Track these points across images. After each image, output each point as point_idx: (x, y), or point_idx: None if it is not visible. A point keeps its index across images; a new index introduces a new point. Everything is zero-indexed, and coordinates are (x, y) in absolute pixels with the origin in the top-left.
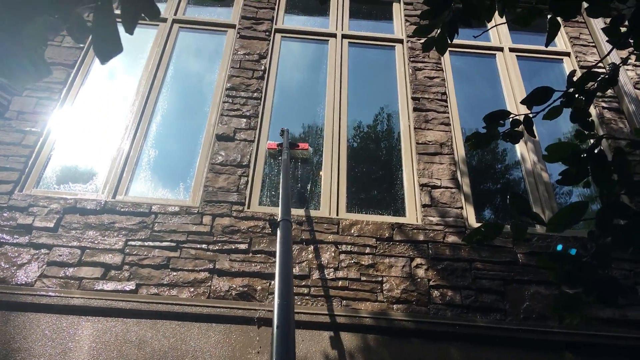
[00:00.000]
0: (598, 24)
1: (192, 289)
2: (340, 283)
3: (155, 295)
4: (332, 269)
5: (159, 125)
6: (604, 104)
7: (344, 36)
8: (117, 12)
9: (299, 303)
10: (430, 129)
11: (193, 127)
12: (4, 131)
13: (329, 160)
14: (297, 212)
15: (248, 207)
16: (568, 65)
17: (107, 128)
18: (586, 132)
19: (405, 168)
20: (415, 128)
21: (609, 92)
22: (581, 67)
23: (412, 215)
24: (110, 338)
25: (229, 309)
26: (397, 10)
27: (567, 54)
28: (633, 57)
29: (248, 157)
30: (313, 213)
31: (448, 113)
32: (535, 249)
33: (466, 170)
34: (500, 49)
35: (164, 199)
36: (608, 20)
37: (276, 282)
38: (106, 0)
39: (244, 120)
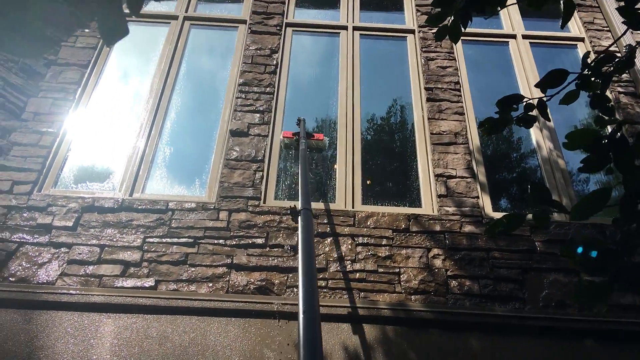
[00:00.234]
0: (612, 7)
1: (211, 284)
2: (357, 275)
3: (175, 291)
4: (349, 262)
5: (173, 123)
6: (620, 89)
7: (355, 28)
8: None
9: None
10: (444, 119)
11: (207, 123)
12: (21, 132)
13: (344, 152)
14: (313, 205)
15: (264, 202)
16: (582, 51)
17: (122, 126)
18: (606, 118)
19: (420, 159)
20: (429, 118)
21: (625, 76)
22: (596, 52)
23: (428, 205)
24: (131, 334)
25: (248, 303)
26: (408, 0)
27: (581, 39)
28: None
29: (262, 151)
30: (329, 206)
31: (462, 102)
32: (553, 237)
33: (481, 160)
34: (513, 36)
35: (180, 195)
36: (622, 2)
37: (300, 271)
38: None
39: (258, 115)
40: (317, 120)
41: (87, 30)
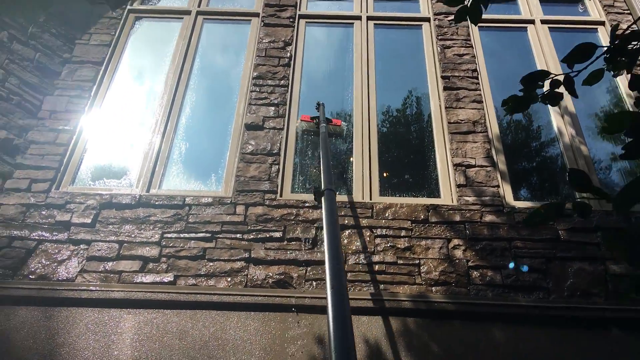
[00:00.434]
0: None
1: (229, 279)
2: (376, 267)
3: (194, 286)
4: (368, 254)
5: (188, 118)
6: None
7: (369, 18)
8: None
9: None
10: (462, 108)
11: (222, 117)
12: (38, 131)
13: (360, 144)
14: None
15: (280, 195)
16: (603, 35)
17: (137, 123)
18: None
19: (437, 149)
20: (446, 107)
21: None
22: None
23: (447, 195)
24: (151, 329)
25: (267, 297)
26: None
27: (602, 23)
28: None
29: (278, 145)
30: (346, 198)
31: (480, 90)
32: (577, 225)
33: (501, 148)
34: (532, 22)
35: (197, 190)
36: None
37: (326, 249)
38: None
39: (272, 108)
40: (332, 112)
41: None
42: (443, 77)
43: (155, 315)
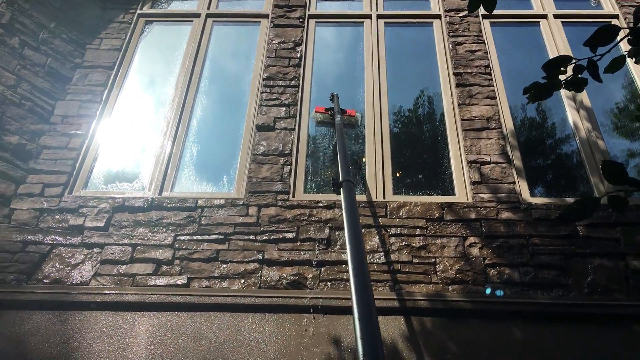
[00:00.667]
0: None
1: (243, 280)
2: (392, 267)
3: (207, 288)
4: (382, 253)
5: (199, 120)
6: None
7: (379, 16)
8: None
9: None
10: (475, 104)
11: (233, 119)
12: (50, 136)
13: (372, 142)
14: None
15: (293, 196)
16: None
17: (149, 126)
18: None
19: (451, 146)
20: (459, 104)
21: None
22: (631, 29)
23: (462, 193)
24: (165, 332)
25: (281, 299)
26: None
27: (615, 16)
28: None
29: (290, 145)
30: (359, 197)
31: (493, 86)
32: (596, 220)
33: (516, 144)
34: (544, 16)
35: (209, 192)
36: None
37: (347, 240)
38: None
39: (283, 109)
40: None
41: None
42: (455, 74)
43: (170, 318)
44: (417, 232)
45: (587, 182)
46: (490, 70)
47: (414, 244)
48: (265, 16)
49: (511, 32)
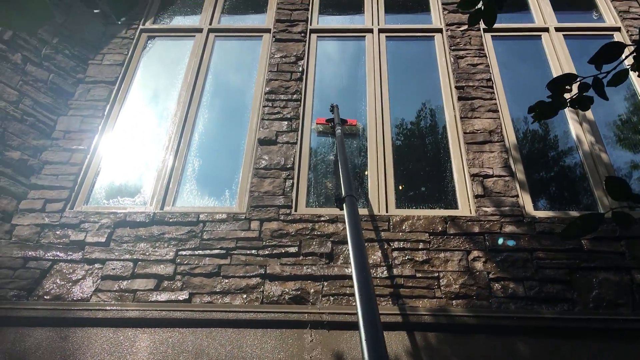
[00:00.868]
0: None
1: (245, 295)
2: (395, 281)
3: (209, 304)
4: (385, 267)
5: (201, 135)
6: None
7: (380, 30)
8: None
9: (354, 304)
10: (478, 117)
11: (235, 133)
12: (52, 151)
13: (375, 156)
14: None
15: (295, 210)
16: (619, 40)
17: (151, 141)
18: None
19: (454, 159)
20: (461, 117)
21: None
22: (633, 42)
23: (465, 206)
24: (167, 349)
25: (283, 314)
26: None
27: (617, 29)
28: None
29: (292, 159)
30: (362, 211)
31: (495, 99)
32: (600, 234)
33: (519, 157)
34: (546, 29)
35: (211, 207)
36: None
37: (351, 257)
38: None
39: (285, 122)
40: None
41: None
42: (457, 87)
43: (171, 334)
44: (420, 246)
45: (591, 195)
46: (492, 83)
47: (417, 258)
48: (267, 31)
49: (513, 46)
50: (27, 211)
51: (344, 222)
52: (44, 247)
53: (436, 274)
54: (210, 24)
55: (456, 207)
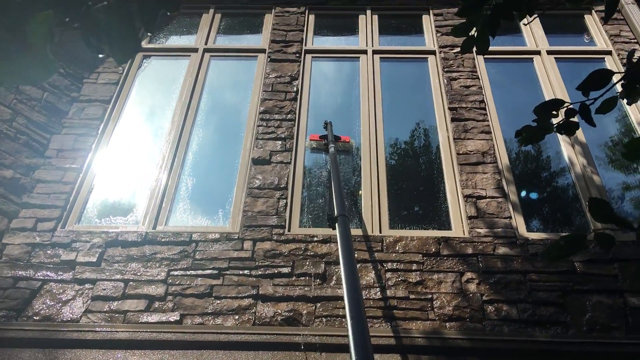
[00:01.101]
0: (639, 19)
1: (237, 317)
2: (388, 302)
3: (200, 325)
4: (378, 288)
5: (195, 154)
6: None
7: (374, 52)
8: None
9: (346, 326)
10: (471, 139)
11: (229, 153)
12: (45, 170)
13: (368, 176)
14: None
15: (289, 230)
16: (610, 64)
17: (144, 160)
18: None
19: (447, 180)
20: (454, 138)
21: None
22: (624, 65)
23: (459, 228)
24: None
25: (275, 336)
26: (427, 21)
27: (609, 52)
28: None
29: (285, 179)
30: (355, 231)
31: (488, 121)
32: (593, 257)
33: (512, 179)
34: (538, 52)
35: (204, 226)
36: None
37: (343, 278)
38: None
39: (279, 142)
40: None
41: (101, 56)
42: (450, 109)
43: (161, 356)
44: (414, 267)
45: (583, 216)
46: (485, 105)
47: (411, 280)
48: (262, 51)
49: (505, 68)
50: (18, 230)
51: (337, 243)
52: (35, 267)
53: (429, 296)
54: (206, 43)
55: (449, 228)
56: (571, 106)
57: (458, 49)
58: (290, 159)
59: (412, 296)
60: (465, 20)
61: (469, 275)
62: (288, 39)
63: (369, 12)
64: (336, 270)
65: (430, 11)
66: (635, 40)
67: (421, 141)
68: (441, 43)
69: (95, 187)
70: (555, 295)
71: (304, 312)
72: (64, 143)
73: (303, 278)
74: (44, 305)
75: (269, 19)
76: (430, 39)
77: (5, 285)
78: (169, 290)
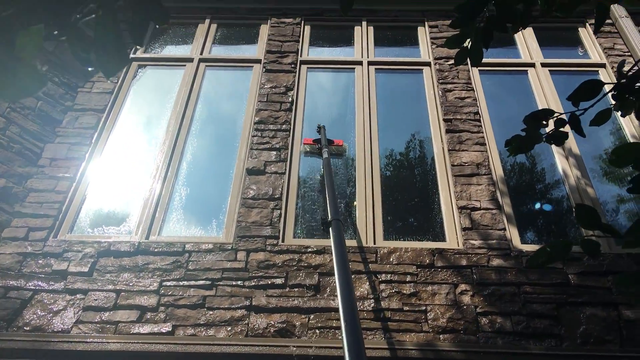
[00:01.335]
0: (633, 32)
1: (230, 328)
2: (382, 314)
3: (193, 336)
4: (372, 300)
5: (189, 163)
6: None
7: (370, 63)
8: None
9: (341, 338)
10: (465, 150)
11: (223, 163)
12: (38, 179)
13: (363, 187)
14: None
15: (282, 241)
16: (604, 76)
17: (138, 169)
18: None
19: (442, 191)
20: (449, 150)
21: None
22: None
23: (453, 239)
24: None
25: (268, 347)
26: (422, 33)
27: (602, 65)
28: None
29: (280, 189)
30: (350, 242)
31: (482, 133)
32: (587, 269)
33: (506, 190)
34: (532, 65)
35: (197, 236)
36: None
37: (337, 282)
38: (108, 8)
39: (274, 152)
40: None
41: (90, 69)
42: (445, 120)
43: None
44: (408, 278)
45: (577, 228)
46: (480, 116)
47: (405, 291)
48: (258, 61)
49: (500, 80)
50: (10, 239)
51: (332, 254)
52: (25, 277)
53: (423, 308)
54: (202, 53)
55: (444, 240)
56: (561, 116)
57: (453, 61)
58: (285, 169)
59: (406, 308)
60: (458, 32)
61: (463, 287)
62: (284, 49)
63: (364, 23)
64: (330, 281)
65: (426, 23)
66: (629, 53)
67: (416, 152)
68: (436, 55)
69: (88, 196)
70: (549, 307)
71: (298, 323)
72: (58, 152)
73: (297, 289)
74: (35, 316)
75: (264, 30)
76: (425, 50)
77: None
78: (162, 301)
